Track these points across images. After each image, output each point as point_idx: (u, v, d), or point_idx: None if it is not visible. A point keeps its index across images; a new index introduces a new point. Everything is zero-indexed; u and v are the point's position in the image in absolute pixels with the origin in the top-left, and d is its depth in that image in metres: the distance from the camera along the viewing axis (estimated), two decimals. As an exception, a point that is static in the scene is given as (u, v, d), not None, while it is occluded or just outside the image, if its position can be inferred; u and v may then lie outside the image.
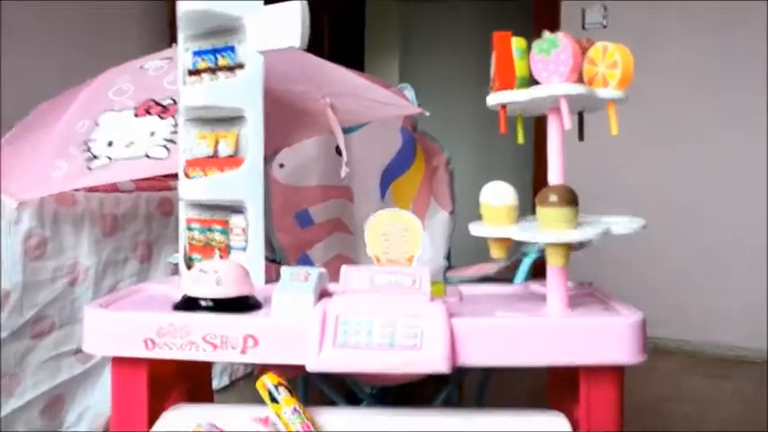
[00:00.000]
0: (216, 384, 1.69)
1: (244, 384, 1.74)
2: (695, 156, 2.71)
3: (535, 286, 1.11)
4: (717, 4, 2.62)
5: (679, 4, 2.69)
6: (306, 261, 1.72)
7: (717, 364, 2.54)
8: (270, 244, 1.69)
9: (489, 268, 1.58)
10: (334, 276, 1.71)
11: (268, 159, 1.67)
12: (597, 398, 0.87)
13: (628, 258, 2.65)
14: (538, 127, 2.88)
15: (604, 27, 2.86)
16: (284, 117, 1.31)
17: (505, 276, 1.47)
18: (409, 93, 1.76)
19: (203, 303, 0.96)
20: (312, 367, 0.85)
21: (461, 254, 1.88)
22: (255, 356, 0.89)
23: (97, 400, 1.46)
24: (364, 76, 1.67)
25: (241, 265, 1.01)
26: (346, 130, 1.69)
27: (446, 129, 3.48)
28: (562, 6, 2.94)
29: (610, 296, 1.01)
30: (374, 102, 1.48)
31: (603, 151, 2.75)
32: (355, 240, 1.74)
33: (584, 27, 2.88)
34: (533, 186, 3.01)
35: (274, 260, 1.69)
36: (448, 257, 1.77)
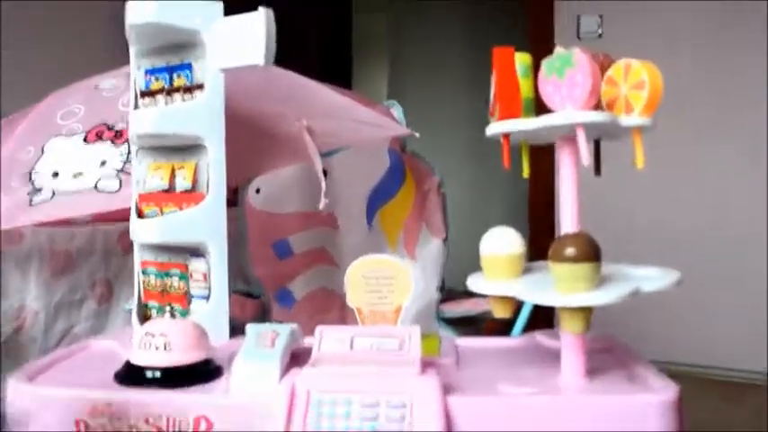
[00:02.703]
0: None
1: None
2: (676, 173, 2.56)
3: (542, 338, 0.96)
4: (717, 13, 2.49)
5: (676, 15, 2.55)
6: (285, 294, 1.57)
7: (728, 388, 2.39)
8: (246, 276, 1.55)
9: (486, 303, 1.43)
10: (318, 314, 1.57)
11: (242, 185, 1.52)
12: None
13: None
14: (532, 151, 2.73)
15: (600, 36, 2.71)
16: (255, 142, 1.16)
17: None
18: (396, 111, 1.61)
19: (149, 375, 0.80)
20: (277, 460, 0.70)
21: (454, 280, 1.73)
22: (209, 443, 0.74)
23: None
24: (347, 93, 1.51)
25: (196, 324, 0.85)
26: (327, 153, 1.55)
27: (435, 147, 3.33)
28: (556, 16, 2.79)
29: (630, 354, 0.86)
30: (357, 123, 1.33)
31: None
32: (341, 272, 1.58)
33: (578, 36, 2.74)
34: (528, 213, 2.85)
35: (251, 294, 1.54)
36: (441, 288, 1.62)
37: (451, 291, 1.62)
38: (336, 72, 3.37)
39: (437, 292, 1.60)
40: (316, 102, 1.26)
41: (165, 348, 0.80)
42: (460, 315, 1.53)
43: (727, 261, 2.52)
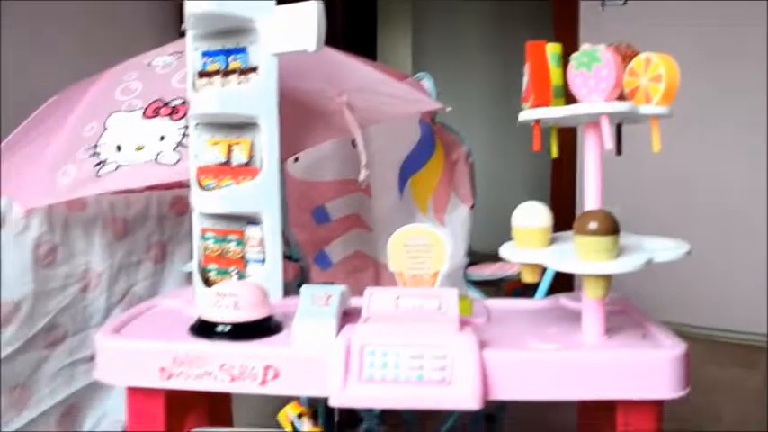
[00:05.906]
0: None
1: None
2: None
3: (565, 300, 1.06)
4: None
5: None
6: (323, 257, 1.68)
7: (740, 352, 2.48)
8: (286, 240, 1.65)
9: (510, 267, 1.53)
10: (353, 275, 1.68)
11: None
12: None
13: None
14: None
15: (623, 4, 2.75)
16: (300, 119, 1.25)
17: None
18: (428, 82, 1.70)
19: (220, 329, 0.91)
20: (337, 402, 0.81)
21: (480, 247, 1.83)
22: (276, 388, 0.85)
23: (113, 406, 1.43)
24: (379, 67, 1.60)
25: (259, 285, 0.96)
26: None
27: (462, 117, 3.38)
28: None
29: (644, 316, 0.96)
30: (392, 98, 1.41)
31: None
32: (374, 236, 1.70)
33: (603, 5, 2.77)
34: (551, 187, 2.92)
35: (290, 257, 1.65)
36: (468, 252, 1.72)
37: (477, 254, 1.72)
38: (361, 43, 3.41)
39: (465, 257, 1.70)
40: (354, 77, 1.35)
41: (234, 306, 0.91)
42: (486, 278, 1.63)
43: (734, 231, 2.59)
